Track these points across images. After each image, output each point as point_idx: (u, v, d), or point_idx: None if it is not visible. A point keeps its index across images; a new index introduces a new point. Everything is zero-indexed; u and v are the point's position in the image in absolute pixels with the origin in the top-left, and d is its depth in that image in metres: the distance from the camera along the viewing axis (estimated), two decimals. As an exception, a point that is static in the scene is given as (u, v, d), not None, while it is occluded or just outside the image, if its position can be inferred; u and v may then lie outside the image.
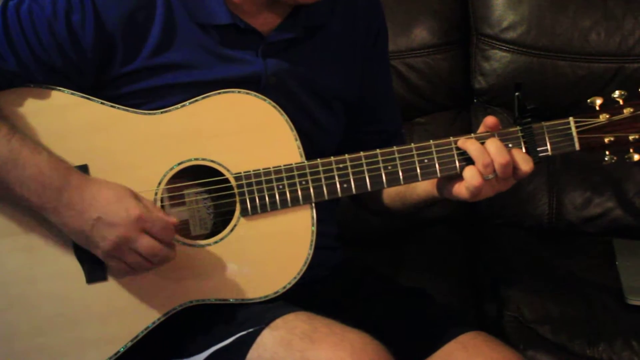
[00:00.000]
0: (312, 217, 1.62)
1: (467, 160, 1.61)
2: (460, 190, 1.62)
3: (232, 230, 1.60)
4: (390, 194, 1.85)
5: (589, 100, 1.65)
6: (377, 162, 1.62)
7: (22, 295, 1.57)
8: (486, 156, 1.58)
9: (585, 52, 2.47)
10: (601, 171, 2.46)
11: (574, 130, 1.64)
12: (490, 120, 1.64)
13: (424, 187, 1.73)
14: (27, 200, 1.52)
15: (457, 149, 1.62)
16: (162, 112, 1.60)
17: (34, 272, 1.57)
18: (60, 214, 1.52)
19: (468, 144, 1.60)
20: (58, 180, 1.51)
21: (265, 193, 1.60)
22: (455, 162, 1.62)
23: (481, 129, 1.65)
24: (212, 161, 1.60)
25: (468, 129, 2.56)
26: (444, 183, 1.66)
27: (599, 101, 1.65)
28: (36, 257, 1.57)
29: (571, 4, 2.48)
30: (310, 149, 1.64)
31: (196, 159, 1.60)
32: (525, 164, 1.60)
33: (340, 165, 1.62)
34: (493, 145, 1.59)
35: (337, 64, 1.76)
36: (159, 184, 1.59)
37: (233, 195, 1.60)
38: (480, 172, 1.58)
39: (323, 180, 1.61)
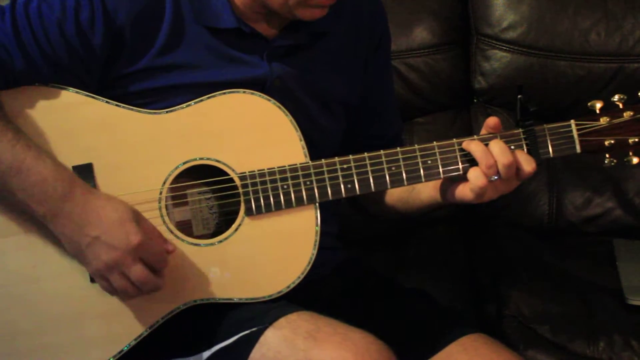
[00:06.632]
0: (316, 217, 1.62)
1: (470, 161, 1.62)
2: (465, 192, 1.63)
3: (236, 229, 1.60)
4: (392, 197, 1.86)
5: (589, 104, 1.66)
6: (381, 163, 1.63)
7: (25, 294, 1.57)
8: (490, 157, 1.59)
9: (585, 52, 2.47)
10: (601, 171, 2.47)
11: (575, 133, 1.65)
12: (492, 121, 1.64)
13: (428, 193, 1.74)
14: (28, 206, 1.50)
15: (461, 150, 1.63)
16: (167, 112, 1.60)
17: (37, 271, 1.57)
18: (59, 223, 1.50)
19: (472, 145, 1.61)
20: (62, 190, 1.50)
21: (269, 193, 1.60)
22: (458, 164, 1.63)
23: (483, 130, 1.66)
24: (217, 161, 1.60)
25: (468, 129, 2.57)
26: (448, 187, 1.67)
27: (598, 104, 1.66)
28: (39, 256, 1.57)
29: (571, 4, 2.48)
30: (311, 151, 1.64)
31: (201, 159, 1.60)
32: (527, 164, 1.61)
33: (344, 166, 1.62)
34: (497, 146, 1.60)
35: (340, 69, 1.76)
36: (164, 183, 1.59)
37: (237, 195, 1.61)
38: (484, 173, 1.59)
39: (327, 180, 1.62)
